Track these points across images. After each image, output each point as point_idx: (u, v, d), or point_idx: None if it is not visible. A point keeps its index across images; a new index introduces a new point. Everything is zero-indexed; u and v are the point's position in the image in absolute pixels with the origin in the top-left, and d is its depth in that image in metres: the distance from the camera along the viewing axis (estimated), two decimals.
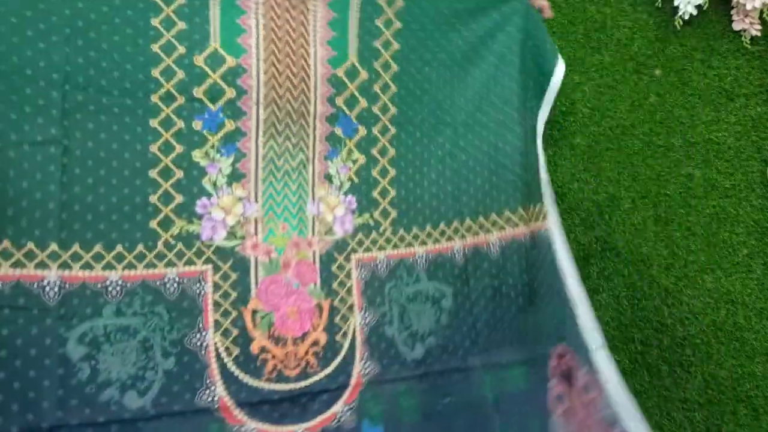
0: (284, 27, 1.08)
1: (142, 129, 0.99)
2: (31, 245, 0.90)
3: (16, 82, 0.91)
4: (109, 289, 0.95)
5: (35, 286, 0.90)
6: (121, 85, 0.98)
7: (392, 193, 1.17)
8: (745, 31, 1.65)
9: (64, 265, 0.92)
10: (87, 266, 0.93)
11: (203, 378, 0.99)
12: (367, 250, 1.14)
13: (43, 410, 0.88)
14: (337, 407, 1.07)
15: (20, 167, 0.90)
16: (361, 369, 1.09)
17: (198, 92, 1.03)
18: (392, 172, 1.18)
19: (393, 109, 1.18)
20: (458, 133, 1.22)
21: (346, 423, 1.06)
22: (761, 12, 1.65)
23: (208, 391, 0.99)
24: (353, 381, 1.08)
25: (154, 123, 1.01)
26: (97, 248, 0.94)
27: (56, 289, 0.91)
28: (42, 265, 0.90)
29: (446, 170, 1.21)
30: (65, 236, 0.92)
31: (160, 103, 1.01)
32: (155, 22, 1.00)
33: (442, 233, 1.19)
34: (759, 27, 1.63)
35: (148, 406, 0.94)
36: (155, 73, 1.01)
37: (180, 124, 1.02)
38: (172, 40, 1.02)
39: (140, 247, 0.97)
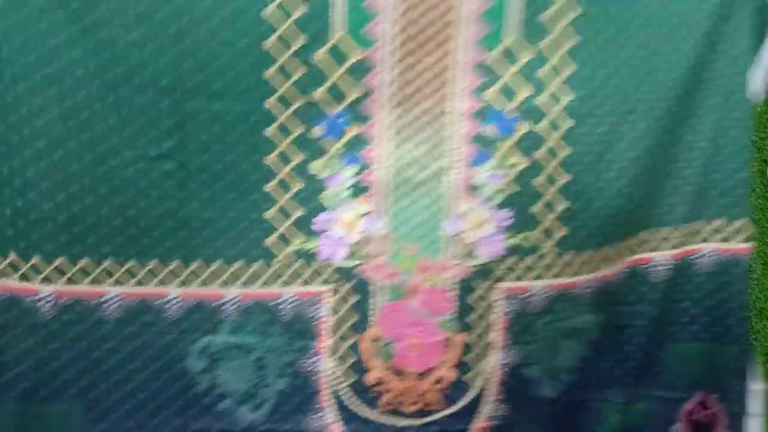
0: (423, 5, 0.89)
1: (256, 138, 0.89)
2: (154, 263, 0.89)
3: (124, 92, 0.84)
4: (226, 306, 0.93)
5: (157, 303, 0.91)
6: (233, 89, 0.87)
7: (563, 205, 0.95)
8: None
9: (184, 282, 0.91)
10: (204, 283, 0.91)
11: (314, 402, 0.96)
12: (519, 278, 0.96)
13: (164, 417, 0.92)
14: None
15: (137, 185, 0.87)
16: (490, 412, 0.98)
17: (317, 94, 0.90)
18: (564, 178, 0.95)
19: (569, 96, 0.93)
20: (659, 125, 0.95)
21: None
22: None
23: (318, 416, 0.96)
24: (478, 424, 0.98)
25: (267, 132, 0.90)
26: (215, 265, 0.91)
27: (177, 306, 0.91)
28: (163, 281, 0.90)
29: (640, 174, 0.96)
30: (184, 253, 0.90)
31: (275, 109, 0.89)
32: (266, 12, 0.85)
33: (619, 254, 0.98)
34: None
35: (259, 422, 0.95)
36: (268, 74, 0.87)
37: (297, 131, 0.90)
38: (287, 33, 0.86)
39: (255, 266, 0.92)
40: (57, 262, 0.86)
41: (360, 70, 0.89)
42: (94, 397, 0.89)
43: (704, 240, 0.99)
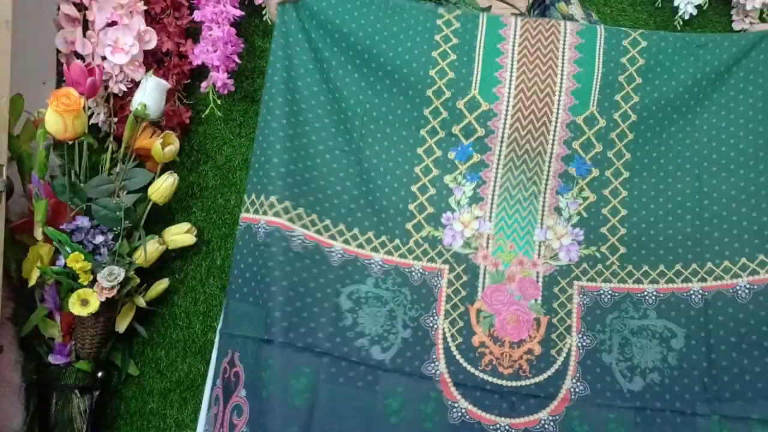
0: (534, 79, 1.28)
1: (411, 154, 1.28)
2: (328, 221, 1.23)
3: (333, 112, 1.27)
4: (373, 266, 1.23)
5: (327, 250, 1.22)
6: (401, 119, 1.28)
7: (622, 231, 1.27)
8: (745, 30, 1.65)
9: (346, 241, 1.23)
10: (361, 246, 1.23)
11: (430, 353, 1.20)
12: (592, 279, 1.25)
13: (318, 339, 1.17)
14: (542, 414, 1.17)
15: (330, 165, 1.25)
16: (571, 386, 1.19)
17: (456, 129, 1.28)
18: (623, 212, 1.27)
19: (627, 155, 1.29)
20: (702, 179, 1.27)
21: (551, 430, 1.16)
22: (761, 12, 1.65)
23: (433, 365, 1.19)
24: (562, 395, 1.18)
25: (419, 150, 1.28)
26: (369, 234, 1.24)
27: (339, 256, 1.22)
28: (333, 236, 1.23)
29: (686, 214, 1.26)
30: (351, 220, 1.24)
31: (426, 136, 1.28)
32: (432, 72, 1.28)
33: (678, 274, 1.24)
34: (759, 27, 1.62)
35: (387, 360, 1.18)
36: (426, 112, 1.28)
37: (438, 153, 1.28)
38: (442, 86, 1.28)
39: (397, 241, 1.24)
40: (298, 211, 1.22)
41: (487, 116, 1.28)
42: (271, 306, 1.17)
43: None
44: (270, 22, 1.62)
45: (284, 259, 1.19)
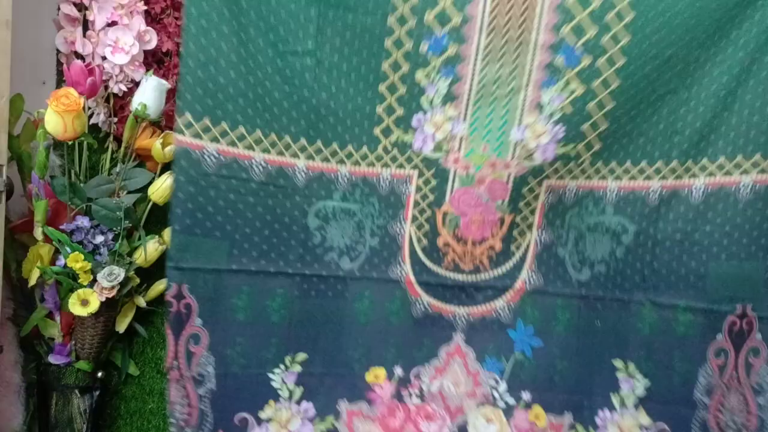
0: None
1: (378, 47, 1.14)
2: (288, 138, 1.15)
3: (280, 5, 1.11)
4: (339, 179, 1.20)
5: (290, 171, 1.17)
6: (364, 5, 1.12)
7: (603, 126, 1.18)
8: None
9: (310, 157, 1.17)
10: (325, 159, 1.18)
11: (397, 257, 1.24)
12: (560, 178, 1.22)
13: (289, 261, 1.20)
14: (499, 303, 1.25)
15: (284, 73, 1.13)
16: (526, 277, 1.25)
17: (429, 16, 1.13)
18: (610, 105, 1.17)
19: (626, 38, 1.14)
20: (687, 71, 1.18)
21: (503, 318, 1.25)
22: None
23: (398, 268, 1.24)
24: (517, 285, 1.25)
25: (387, 43, 1.14)
26: (334, 146, 1.18)
27: (303, 175, 1.18)
28: (295, 154, 1.16)
29: (664, 108, 1.20)
30: (312, 133, 1.16)
31: (394, 25, 1.14)
32: None
33: (641, 171, 1.23)
34: None
35: (355, 269, 1.22)
36: None
37: (408, 45, 1.14)
38: None
39: (365, 149, 1.19)
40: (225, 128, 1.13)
41: (463, 1, 1.13)
42: (238, 238, 1.16)
43: (744, 172, 1.20)
44: None
45: (246, 191, 1.15)
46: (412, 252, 1.23)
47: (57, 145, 1.47)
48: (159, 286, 1.59)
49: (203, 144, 1.12)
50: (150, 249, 1.52)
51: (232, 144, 1.13)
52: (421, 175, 1.21)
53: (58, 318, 1.49)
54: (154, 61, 1.62)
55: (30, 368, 1.50)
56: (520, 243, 1.24)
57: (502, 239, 1.24)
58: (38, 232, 1.44)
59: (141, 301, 1.55)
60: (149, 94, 1.50)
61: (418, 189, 1.22)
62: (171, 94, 1.61)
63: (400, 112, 1.18)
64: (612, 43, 1.14)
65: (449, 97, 1.17)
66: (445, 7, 1.13)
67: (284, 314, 1.20)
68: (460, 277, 1.24)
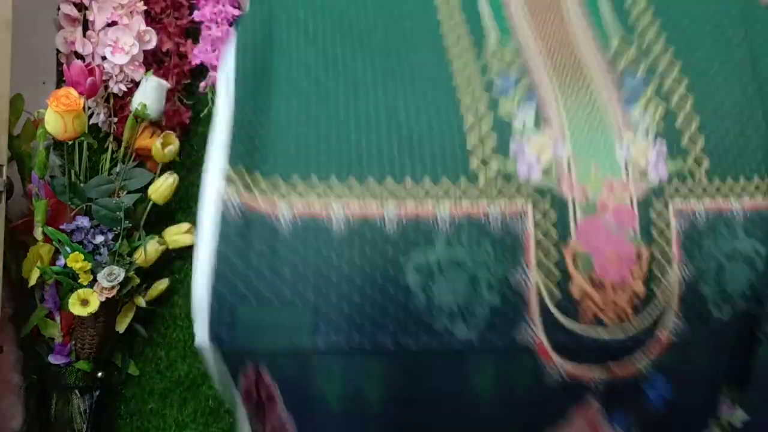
0: (544, 24, 1.10)
1: (450, 97, 1.03)
2: (371, 180, 0.96)
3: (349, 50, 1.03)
4: (439, 221, 0.96)
5: (377, 220, 0.94)
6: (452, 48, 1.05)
7: (701, 141, 1.07)
8: None
9: (400, 198, 0.95)
10: (419, 199, 0.96)
11: (525, 316, 0.97)
12: (685, 198, 1.04)
13: (389, 332, 0.93)
14: (643, 361, 1.03)
15: (359, 116, 0.99)
16: (673, 327, 1.03)
17: (491, 70, 1.06)
18: (697, 119, 1.07)
19: (678, 63, 1.10)
20: (757, 69, 1.11)
21: (645, 374, 1.03)
22: None
23: (528, 331, 0.98)
24: (663, 337, 1.02)
25: (460, 94, 1.04)
26: (427, 181, 0.97)
27: (394, 222, 0.95)
28: (381, 198, 0.95)
29: (755, 114, 1.09)
30: (400, 169, 0.96)
31: (460, 84, 1.05)
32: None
33: (757, 187, 1.08)
34: None
35: (474, 339, 0.96)
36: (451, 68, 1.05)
37: (483, 80, 1.03)
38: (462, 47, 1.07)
39: (464, 182, 0.98)
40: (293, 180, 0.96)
41: (515, 53, 1.06)
42: (323, 308, 0.93)
43: None
44: None
45: (327, 250, 0.94)
46: (543, 308, 0.98)
47: (57, 145, 1.47)
48: (159, 286, 1.60)
49: (274, 200, 0.95)
50: (150, 249, 1.52)
51: (300, 195, 0.95)
52: (536, 206, 1.00)
53: (58, 318, 1.49)
54: (154, 61, 1.62)
55: (30, 368, 1.50)
56: (664, 283, 1.03)
57: (644, 281, 1.02)
58: (38, 232, 1.44)
59: (141, 301, 1.55)
60: (149, 94, 1.50)
61: (537, 225, 1.00)
62: (171, 94, 1.61)
63: (493, 137, 1.01)
64: (668, 68, 1.11)
65: (540, 119, 1.03)
66: (502, 58, 1.07)
67: (388, 399, 0.97)
68: (604, 333, 1.00)
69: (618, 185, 1.02)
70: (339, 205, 0.94)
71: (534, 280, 0.97)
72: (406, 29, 1.07)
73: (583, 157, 1.02)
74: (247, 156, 0.98)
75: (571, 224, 0.99)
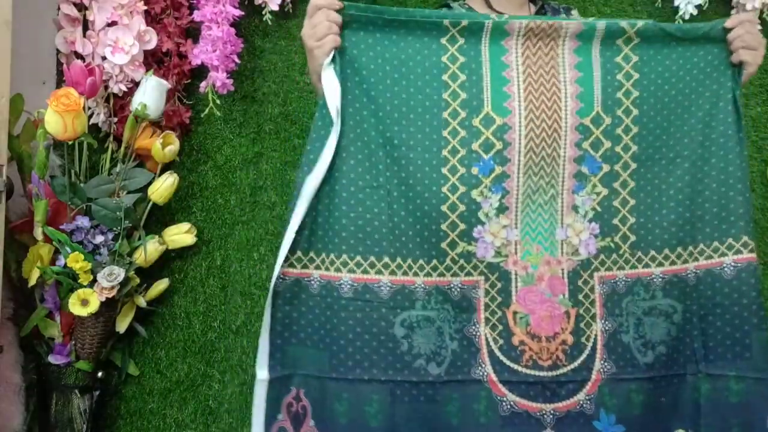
0: (540, 89, 1.35)
1: (437, 175, 1.32)
2: (372, 258, 1.31)
3: (358, 150, 1.33)
4: (417, 290, 1.31)
5: (375, 286, 1.31)
6: (422, 143, 1.33)
7: (631, 220, 1.36)
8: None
9: (392, 272, 1.31)
10: (404, 273, 1.31)
11: (477, 358, 1.32)
12: (608, 269, 1.36)
13: (381, 368, 1.29)
14: (580, 396, 1.32)
15: (365, 204, 1.32)
16: (600, 367, 1.33)
17: (475, 146, 1.33)
18: (632, 201, 1.37)
19: (634, 148, 1.36)
20: (695, 166, 1.36)
21: (586, 409, 1.31)
22: (761, 12, 1.65)
23: (480, 368, 1.32)
24: (594, 376, 1.32)
25: (444, 170, 1.33)
26: (410, 260, 1.32)
27: (387, 288, 1.31)
28: (379, 271, 1.31)
29: (685, 199, 1.36)
30: (393, 251, 1.31)
31: (448, 156, 1.33)
32: (445, 95, 1.34)
33: (679, 256, 1.36)
34: (759, 27, 1.62)
35: (442, 373, 1.31)
36: (444, 133, 1.33)
37: (462, 170, 1.33)
38: (457, 108, 1.34)
39: (435, 262, 1.32)
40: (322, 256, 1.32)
41: (502, 130, 1.33)
42: (335, 349, 1.29)
43: (737, 252, 1.36)
44: (269, 23, 1.63)
45: (338, 306, 1.30)
46: (490, 352, 1.32)
47: (57, 145, 1.47)
48: (159, 286, 1.60)
49: (309, 272, 1.31)
50: (150, 249, 1.53)
51: (327, 269, 1.31)
52: (487, 280, 1.33)
53: (58, 318, 1.49)
54: (154, 61, 1.62)
55: (30, 368, 1.50)
56: (588, 334, 1.34)
57: (572, 333, 1.33)
58: (38, 232, 1.44)
59: (141, 301, 1.55)
60: (149, 94, 1.50)
61: (486, 292, 1.33)
62: (171, 94, 1.61)
63: (462, 226, 1.32)
64: (623, 152, 1.36)
65: (501, 209, 1.34)
66: (488, 137, 1.33)
67: (381, 419, 1.29)
68: (540, 373, 1.32)
69: (553, 261, 1.35)
70: (347, 275, 1.31)
71: (483, 332, 1.32)
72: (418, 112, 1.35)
73: (527, 240, 1.35)
74: (299, 241, 1.31)
75: (513, 292, 1.34)
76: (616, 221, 1.36)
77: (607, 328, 1.34)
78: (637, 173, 1.36)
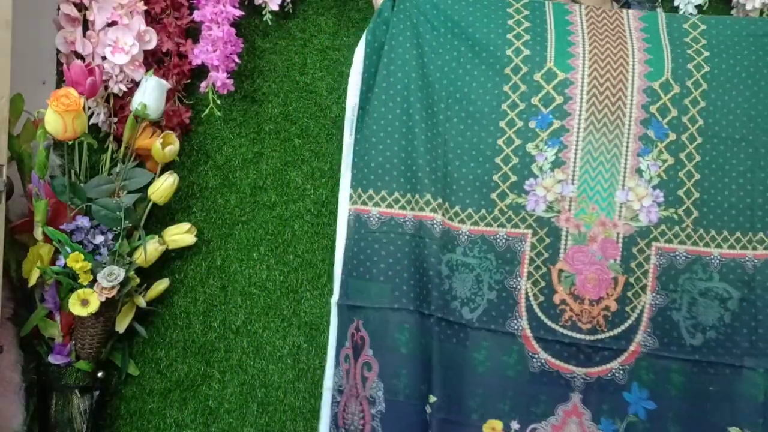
0: (606, 51, 1.35)
1: (494, 128, 1.34)
2: (428, 197, 1.35)
3: (423, 98, 1.38)
4: (461, 236, 1.34)
5: (429, 224, 1.35)
6: (483, 97, 1.36)
7: (696, 194, 1.32)
8: None
9: (443, 213, 1.34)
10: (451, 218, 1.34)
11: (514, 311, 1.31)
12: (669, 241, 1.31)
13: (429, 302, 1.33)
14: (614, 364, 1.29)
15: (422, 148, 1.36)
16: (642, 340, 1.29)
17: (535, 100, 1.34)
18: (696, 176, 1.32)
19: (700, 121, 1.33)
20: (758, 153, 1.33)
21: (618, 379, 1.29)
22: (761, 12, 1.64)
23: (515, 322, 1.31)
24: (632, 348, 1.29)
25: (501, 124, 1.34)
26: (457, 208, 1.34)
27: (439, 228, 1.34)
28: (434, 210, 1.35)
29: (746, 184, 1.33)
30: (444, 195, 1.35)
31: (507, 110, 1.35)
32: (509, 51, 1.36)
33: (738, 241, 1.32)
34: None
35: (474, 319, 1.32)
36: (505, 88, 1.35)
37: (520, 124, 1.34)
38: (519, 63, 1.36)
39: (483, 211, 1.33)
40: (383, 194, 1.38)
41: (564, 85, 1.35)
42: (398, 281, 1.34)
43: None
44: (269, 23, 1.63)
45: (402, 242, 1.35)
46: (529, 307, 1.31)
47: (57, 145, 1.47)
48: (159, 286, 1.60)
49: (369, 209, 1.37)
50: (150, 249, 1.53)
51: (389, 206, 1.37)
52: (535, 234, 1.32)
53: (58, 318, 1.49)
54: (154, 61, 1.62)
55: (30, 368, 1.50)
56: (635, 305, 1.30)
57: (617, 300, 1.30)
58: (38, 232, 1.44)
59: (141, 301, 1.55)
60: (149, 94, 1.50)
61: (533, 247, 1.32)
62: (171, 94, 1.61)
63: (514, 178, 1.33)
64: (689, 123, 1.34)
65: (557, 163, 1.33)
66: (548, 92, 1.34)
67: (428, 353, 1.33)
68: (577, 335, 1.30)
69: (609, 223, 1.31)
70: (410, 213, 1.36)
71: (524, 287, 1.32)
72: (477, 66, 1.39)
73: (584, 198, 1.32)
74: (358, 178, 1.40)
75: (561, 249, 1.32)
76: (680, 193, 1.32)
77: (657, 302, 1.30)
78: (702, 148, 1.33)
